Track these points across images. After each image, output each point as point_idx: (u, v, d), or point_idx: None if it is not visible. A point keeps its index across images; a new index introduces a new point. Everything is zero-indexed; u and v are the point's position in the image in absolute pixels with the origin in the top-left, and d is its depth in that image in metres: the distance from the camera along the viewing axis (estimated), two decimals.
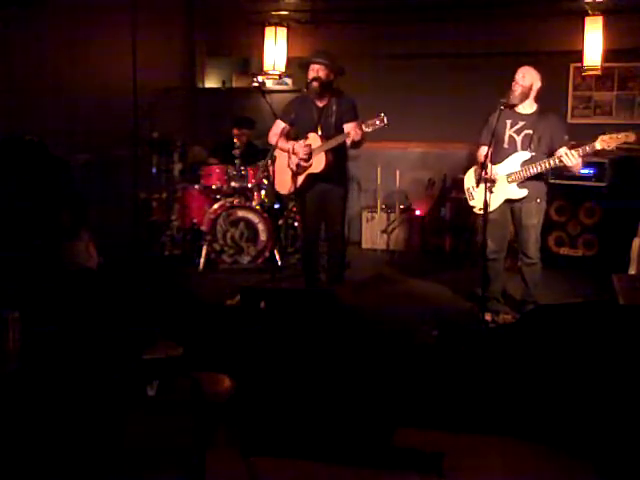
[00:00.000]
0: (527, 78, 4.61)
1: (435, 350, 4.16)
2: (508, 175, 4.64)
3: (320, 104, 5.00)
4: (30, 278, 2.70)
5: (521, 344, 3.87)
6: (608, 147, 4.36)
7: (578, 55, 6.52)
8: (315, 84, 4.88)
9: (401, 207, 7.19)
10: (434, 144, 7.37)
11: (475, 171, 4.88)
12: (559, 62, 6.86)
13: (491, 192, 4.61)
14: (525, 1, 6.86)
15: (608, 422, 3.29)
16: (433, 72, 7.19)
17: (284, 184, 5.17)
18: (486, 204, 4.43)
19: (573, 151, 4.42)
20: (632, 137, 4.34)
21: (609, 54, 6.47)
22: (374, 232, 7.29)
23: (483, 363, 3.86)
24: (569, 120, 6.84)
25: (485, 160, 4.47)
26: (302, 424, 3.51)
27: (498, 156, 4.67)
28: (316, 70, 4.90)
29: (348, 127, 4.83)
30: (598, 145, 4.36)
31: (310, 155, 4.93)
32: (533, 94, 4.67)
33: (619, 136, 4.34)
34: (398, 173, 7.05)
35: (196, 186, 6.48)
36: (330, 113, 4.95)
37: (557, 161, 4.48)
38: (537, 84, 4.64)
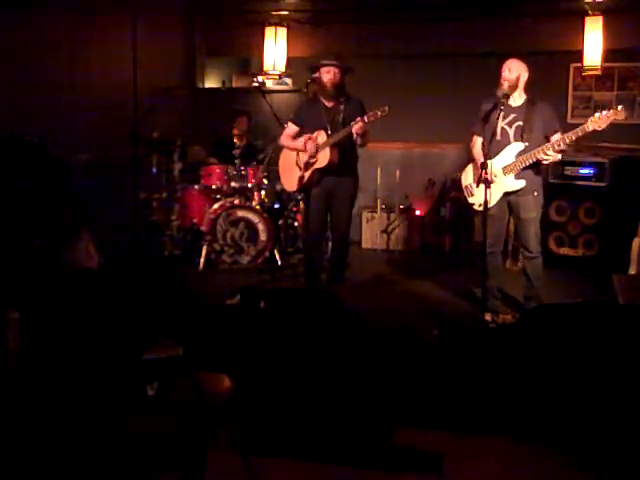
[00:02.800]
0: (513, 71, 4.63)
1: (435, 350, 4.16)
2: (504, 168, 4.64)
3: (329, 104, 5.05)
4: (30, 278, 2.70)
5: (521, 344, 3.88)
6: (599, 127, 4.34)
7: (578, 55, 6.52)
8: (330, 86, 4.97)
9: (401, 207, 7.19)
10: (434, 144, 7.37)
11: (473, 169, 4.88)
12: (559, 62, 6.86)
13: (489, 188, 4.60)
14: (525, 1, 6.85)
15: (608, 422, 3.29)
16: (433, 72, 7.19)
17: (291, 181, 5.21)
18: (486, 201, 4.42)
19: (554, 145, 4.41)
20: (621, 114, 4.32)
21: (609, 54, 6.47)
22: (374, 232, 7.29)
23: (483, 363, 3.87)
24: (569, 120, 6.83)
25: (485, 160, 4.47)
26: (302, 424, 3.51)
27: (491, 149, 4.64)
28: (333, 73, 4.97)
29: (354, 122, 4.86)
30: (589, 126, 4.35)
31: (317, 150, 4.97)
32: (522, 85, 4.67)
33: (608, 114, 4.32)
34: (398, 173, 7.05)
35: (196, 186, 6.48)
36: (338, 112, 5.00)
37: (548, 152, 4.47)
38: (524, 75, 4.65)
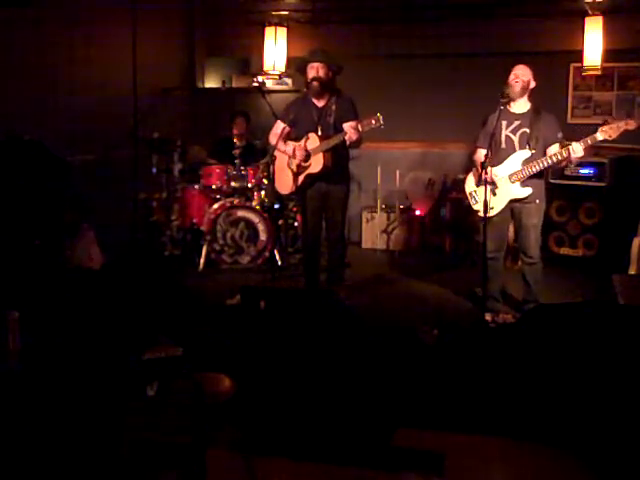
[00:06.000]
0: (525, 75, 4.64)
1: (435, 350, 4.16)
2: (510, 175, 4.64)
3: (319, 104, 4.99)
4: (30, 278, 2.70)
5: (521, 344, 3.88)
6: (609, 137, 4.32)
7: (578, 55, 6.51)
8: (315, 83, 4.89)
9: (401, 207, 7.19)
10: (434, 144, 7.37)
11: (474, 174, 4.89)
12: (559, 62, 6.86)
13: (494, 194, 4.61)
14: (525, 1, 6.85)
15: (608, 422, 3.29)
16: (433, 72, 7.19)
17: (284, 184, 5.18)
18: (486, 205, 4.43)
19: (580, 143, 4.40)
20: (633, 125, 4.30)
21: (609, 54, 6.46)
22: (374, 232, 7.29)
23: (483, 363, 3.86)
24: (569, 120, 6.84)
25: (485, 160, 4.47)
26: (302, 424, 3.51)
27: (496, 158, 4.66)
28: (316, 69, 4.90)
29: (347, 127, 4.81)
30: (599, 136, 4.34)
31: (308, 156, 4.93)
32: (528, 91, 4.68)
33: (619, 125, 4.30)
34: (398, 173, 7.05)
35: (196, 186, 6.47)
36: (329, 113, 4.95)
37: (558, 157, 4.47)
38: (532, 82, 4.67)
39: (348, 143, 4.75)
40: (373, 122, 4.55)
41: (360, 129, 4.60)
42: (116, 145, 5.92)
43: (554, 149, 4.56)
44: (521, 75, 4.62)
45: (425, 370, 3.89)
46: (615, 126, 4.30)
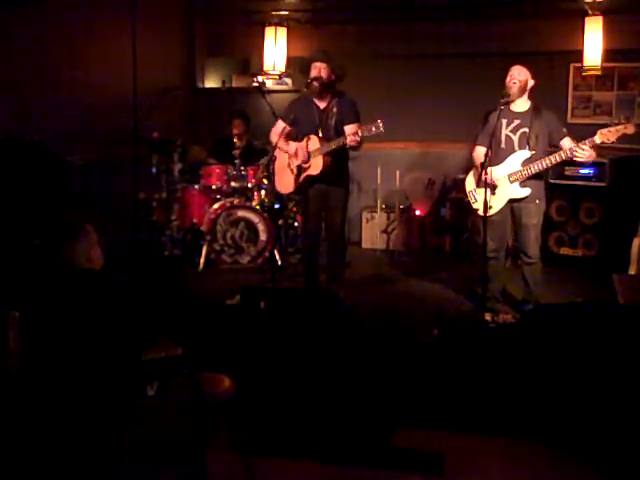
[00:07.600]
0: (522, 74, 4.65)
1: (435, 350, 4.16)
2: (510, 175, 4.64)
3: (321, 105, 5.00)
4: (30, 278, 2.70)
5: (521, 344, 3.88)
6: (608, 140, 4.35)
7: (578, 55, 6.51)
8: (316, 83, 4.89)
9: (401, 207, 7.19)
10: (434, 144, 7.37)
11: (474, 173, 4.89)
12: (559, 62, 6.86)
13: (493, 194, 4.62)
14: (525, 1, 6.85)
15: (608, 422, 3.29)
16: (433, 72, 7.19)
17: (284, 184, 5.19)
18: (486, 205, 4.44)
19: (582, 145, 4.40)
20: (631, 129, 4.33)
21: (609, 54, 6.46)
22: (374, 232, 7.29)
23: (483, 363, 3.87)
24: (569, 120, 6.83)
25: (485, 160, 4.47)
26: (302, 424, 3.52)
27: (496, 157, 4.66)
28: (318, 68, 4.91)
29: (348, 129, 4.82)
30: (598, 139, 4.35)
31: (309, 157, 4.94)
32: (527, 91, 4.68)
33: (618, 128, 4.33)
34: (398, 173, 7.05)
35: (196, 186, 6.47)
36: (331, 115, 4.96)
37: (563, 156, 4.47)
38: (530, 81, 4.68)
39: (348, 147, 4.76)
40: (373, 129, 4.55)
41: (360, 134, 4.61)
42: (116, 145, 5.91)
43: (568, 144, 4.54)
44: (517, 75, 4.63)
45: (425, 370, 3.89)
46: (614, 130, 4.33)
